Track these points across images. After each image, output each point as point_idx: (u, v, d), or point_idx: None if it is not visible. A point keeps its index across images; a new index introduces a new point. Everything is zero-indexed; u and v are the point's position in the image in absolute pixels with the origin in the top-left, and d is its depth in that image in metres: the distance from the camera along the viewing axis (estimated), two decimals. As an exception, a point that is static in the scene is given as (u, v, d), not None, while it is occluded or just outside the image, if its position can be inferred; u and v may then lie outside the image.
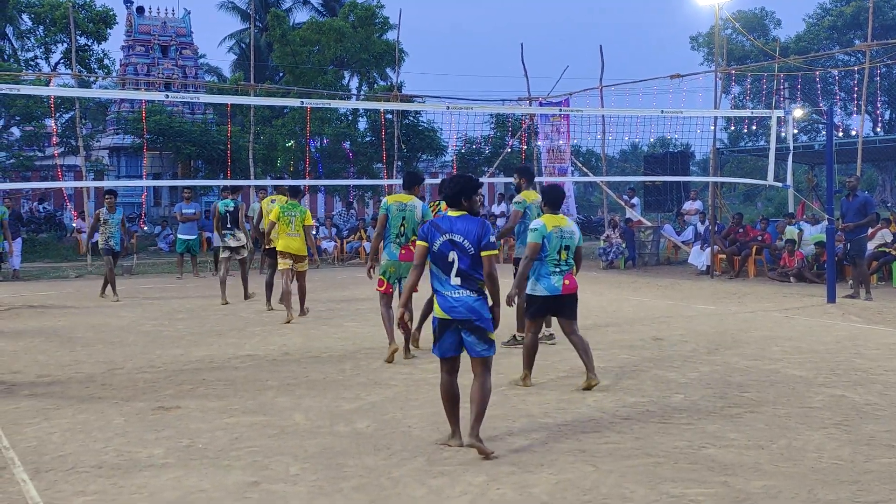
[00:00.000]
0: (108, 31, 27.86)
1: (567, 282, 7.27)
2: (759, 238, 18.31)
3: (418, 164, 31.71)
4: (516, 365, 8.35)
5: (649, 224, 22.96)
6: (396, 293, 8.80)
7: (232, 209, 13.99)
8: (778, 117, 14.39)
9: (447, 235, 5.41)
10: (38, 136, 28.26)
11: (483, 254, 5.38)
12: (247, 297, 14.15)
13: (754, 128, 35.23)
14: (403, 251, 8.68)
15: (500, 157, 27.56)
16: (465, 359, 5.58)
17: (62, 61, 29.27)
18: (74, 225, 27.90)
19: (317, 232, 22.83)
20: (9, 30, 30.76)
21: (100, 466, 5.29)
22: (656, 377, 7.74)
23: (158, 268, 21.03)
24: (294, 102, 19.59)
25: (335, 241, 23.57)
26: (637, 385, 7.45)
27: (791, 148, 14.41)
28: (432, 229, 5.49)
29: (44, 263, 22.20)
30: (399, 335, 8.72)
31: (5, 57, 29.33)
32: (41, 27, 28.37)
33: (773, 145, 14.24)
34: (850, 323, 11.18)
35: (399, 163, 25.92)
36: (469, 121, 24.57)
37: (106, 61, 28.78)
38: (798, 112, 24.98)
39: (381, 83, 35.17)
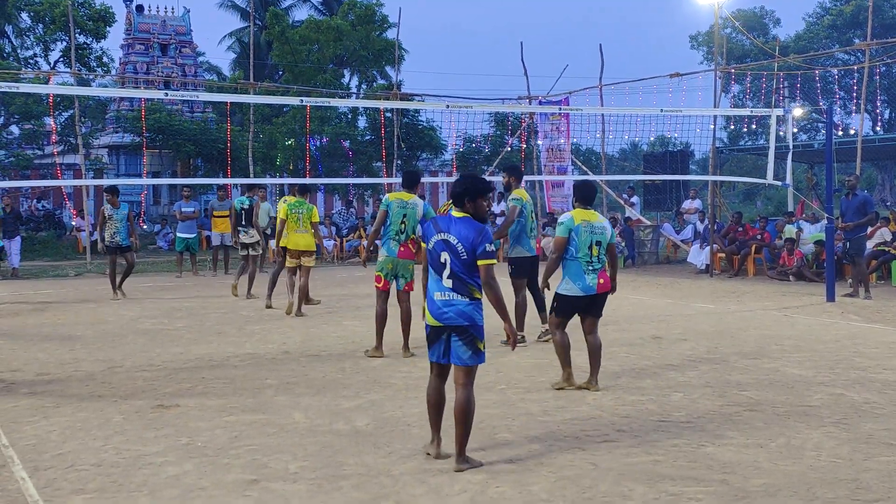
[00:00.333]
0: (108, 29, 27.83)
1: (601, 280, 7.08)
2: (759, 237, 18.32)
3: (418, 163, 31.71)
4: (515, 364, 8.37)
5: (649, 223, 22.97)
6: (393, 290, 8.81)
7: (247, 207, 14.43)
8: (777, 116, 14.40)
9: (442, 234, 5.19)
10: (38, 134, 28.24)
11: (480, 263, 5.08)
12: (249, 295, 14.16)
13: (754, 127, 35.23)
14: (402, 248, 8.69)
15: (500, 156, 27.55)
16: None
17: (61, 59, 29.25)
18: (74, 223, 27.92)
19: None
20: (8, 28, 30.74)
21: (99, 464, 5.30)
22: (655, 375, 7.74)
23: (157, 266, 21.03)
24: (293, 101, 19.61)
25: (335, 240, 23.57)
26: (636, 383, 7.45)
27: (790, 147, 14.41)
28: (430, 226, 5.33)
29: (43, 262, 22.20)
30: (391, 337, 8.75)
31: (4, 55, 29.30)
32: (40, 25, 28.35)
33: (772, 144, 14.24)
34: (849, 322, 11.19)
35: (399, 161, 25.92)
36: (469, 119, 24.54)
37: (105, 59, 28.76)
38: (797, 111, 25.00)
39: (381, 82, 35.17)
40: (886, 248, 15.91)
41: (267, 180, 25.26)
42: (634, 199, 24.54)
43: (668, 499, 4.63)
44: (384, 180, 23.95)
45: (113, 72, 30.93)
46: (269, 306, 12.77)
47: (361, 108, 29.93)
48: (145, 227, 28.72)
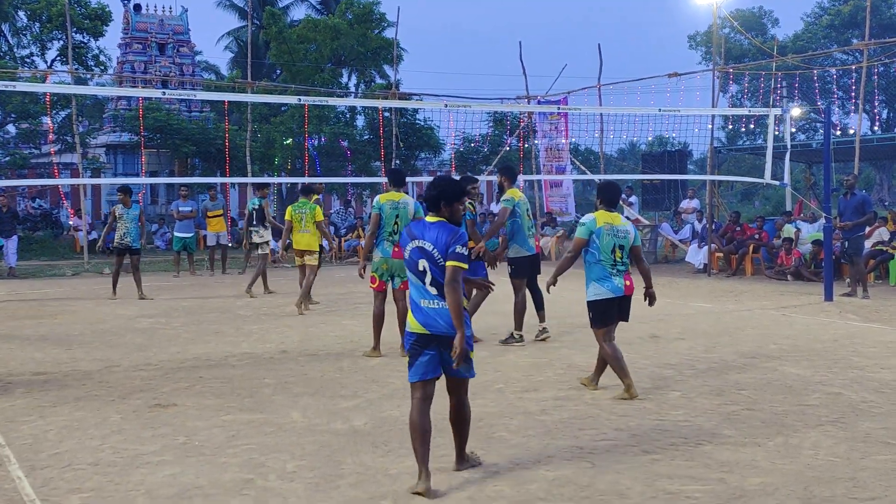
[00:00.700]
0: (105, 28, 27.80)
1: (627, 282, 6.90)
2: (756, 236, 18.33)
3: (416, 163, 31.71)
4: (513, 363, 8.37)
5: (647, 222, 22.97)
6: (390, 289, 8.81)
7: (257, 207, 14.83)
8: (776, 116, 14.40)
9: (416, 241, 4.89)
10: (35, 133, 28.20)
11: (448, 263, 4.77)
12: (248, 290, 14.41)
13: (752, 126, 35.25)
14: (396, 248, 8.69)
15: (499, 156, 27.56)
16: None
17: (58, 58, 29.20)
18: (71, 223, 27.88)
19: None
20: (4, 26, 30.65)
21: (96, 464, 5.29)
22: (653, 375, 7.74)
23: (155, 265, 20.99)
24: (291, 100, 19.58)
25: (332, 240, 23.53)
26: (634, 382, 7.43)
27: (789, 147, 14.42)
28: (405, 234, 5.01)
29: (40, 261, 22.17)
30: (389, 336, 8.74)
31: (1, 54, 29.25)
32: (37, 24, 28.28)
33: (770, 144, 14.25)
34: (847, 321, 11.19)
35: (397, 161, 25.89)
36: (467, 119, 24.51)
37: (103, 59, 28.72)
38: (796, 111, 24.99)
39: (380, 81, 35.15)
40: (884, 248, 15.92)
41: (265, 179, 25.22)
42: (633, 198, 24.54)
43: (665, 497, 4.63)
44: (383, 180, 23.88)
45: (110, 71, 30.90)
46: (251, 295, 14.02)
47: (360, 108, 29.92)
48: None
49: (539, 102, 23.94)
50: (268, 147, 28.31)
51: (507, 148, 28.14)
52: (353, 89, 34.48)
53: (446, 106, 15.43)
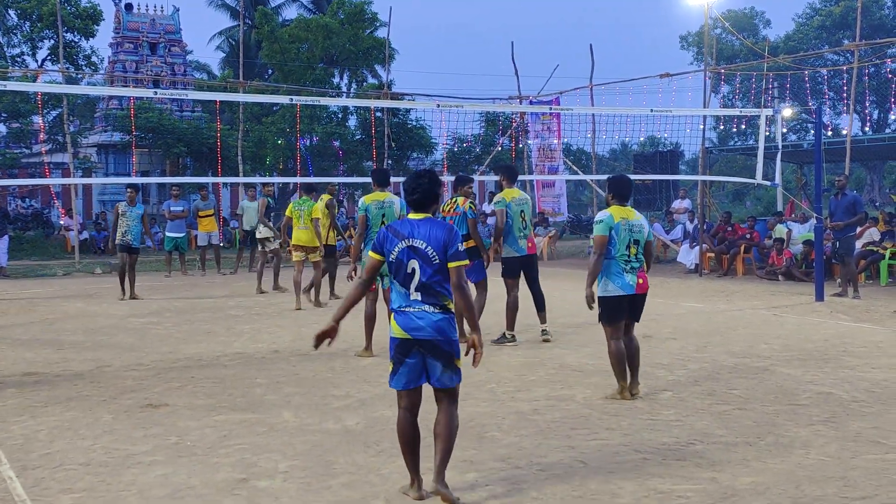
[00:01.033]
0: (96, 27, 27.71)
1: (640, 280, 6.76)
2: (748, 236, 18.38)
3: (408, 163, 31.69)
4: (505, 363, 8.38)
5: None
6: (379, 289, 8.81)
7: (268, 205, 15.61)
8: (767, 116, 14.45)
9: (407, 241, 4.52)
10: (25, 133, 28.09)
11: (451, 265, 4.49)
12: (259, 287, 14.91)
13: (743, 127, 35.36)
14: None
15: (491, 156, 27.58)
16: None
17: (49, 58, 29.10)
18: (62, 223, 27.79)
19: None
20: (-5, 25, 30.55)
21: (87, 464, 5.27)
22: (645, 374, 7.74)
23: (146, 265, 20.92)
24: (283, 99, 19.58)
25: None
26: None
27: (780, 147, 14.46)
28: (389, 235, 4.60)
29: (31, 261, 22.08)
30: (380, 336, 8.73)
31: (-9, 53, 29.15)
32: (27, 23, 28.18)
33: (761, 144, 14.29)
34: (837, 321, 11.23)
35: (389, 161, 25.89)
36: (459, 119, 24.53)
37: (94, 58, 28.63)
38: (787, 111, 25.08)
39: (371, 81, 35.14)
40: (875, 248, 15.98)
41: (256, 179, 25.19)
42: (624, 198, 24.56)
43: (657, 497, 4.64)
44: (374, 179, 23.88)
45: (102, 70, 30.80)
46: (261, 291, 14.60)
47: (352, 108, 29.90)
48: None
49: (531, 103, 23.97)
50: (259, 147, 28.27)
51: (499, 148, 28.16)
52: (345, 89, 34.47)
53: (438, 106, 15.44)
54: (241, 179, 23.00)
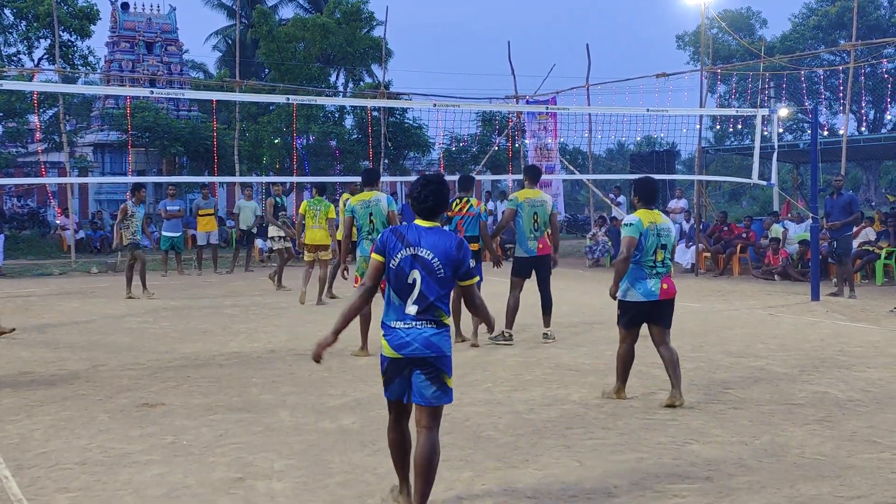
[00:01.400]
0: (92, 27, 27.64)
1: (665, 286, 6.60)
2: (744, 236, 18.41)
3: (405, 162, 31.72)
4: (501, 363, 8.38)
5: (635, 222, 23.01)
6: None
7: (277, 204, 15.84)
8: (763, 116, 14.46)
9: (411, 249, 4.21)
10: (21, 132, 28.04)
11: (463, 284, 4.30)
12: (280, 284, 15.25)
13: (739, 127, 35.40)
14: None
15: (487, 156, 27.59)
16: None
17: (45, 57, 29.05)
18: (58, 222, 27.76)
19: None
20: (-9, 24, 30.47)
21: (83, 463, 5.27)
22: (641, 373, 7.75)
23: (143, 265, 20.89)
24: (280, 99, 19.57)
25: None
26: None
27: (776, 147, 14.48)
28: (393, 238, 4.28)
29: (27, 260, 22.04)
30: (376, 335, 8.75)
31: (-13, 52, 29.07)
32: (23, 22, 28.11)
33: (757, 144, 14.30)
34: (833, 321, 11.25)
35: (386, 161, 25.89)
36: (456, 119, 24.54)
37: (91, 58, 28.58)
38: (783, 111, 25.10)
39: (368, 80, 35.14)
40: (871, 248, 16.02)
41: (252, 179, 25.19)
42: (621, 198, 24.61)
43: (652, 496, 4.64)
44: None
45: (98, 70, 30.75)
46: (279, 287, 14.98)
47: (348, 107, 29.89)
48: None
49: (528, 102, 23.96)
50: (256, 146, 28.26)
51: (496, 147, 28.17)
52: (341, 88, 34.47)
53: (435, 105, 15.43)
54: (237, 179, 22.97)
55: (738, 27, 43.15)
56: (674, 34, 50.82)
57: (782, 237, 17.53)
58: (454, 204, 9.34)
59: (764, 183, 15.12)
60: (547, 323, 9.70)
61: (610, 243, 21.02)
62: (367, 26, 32.42)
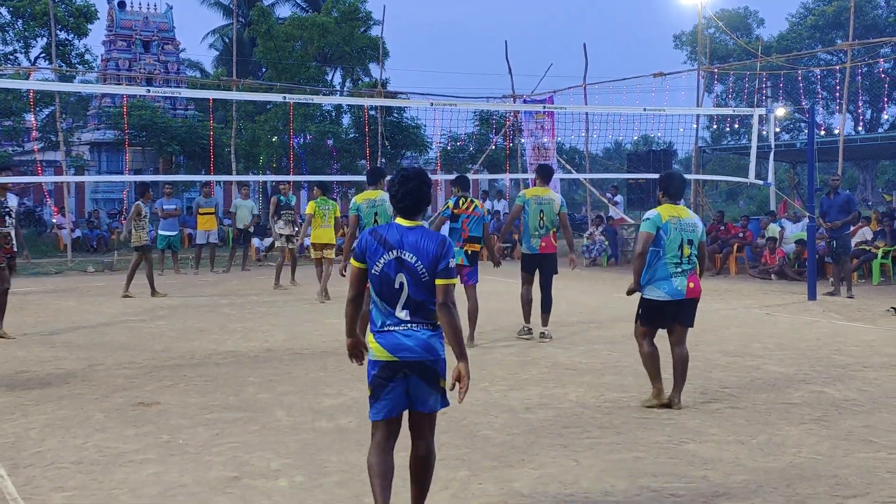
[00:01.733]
0: (89, 26, 27.60)
1: (691, 284, 6.37)
2: (741, 235, 18.42)
3: (402, 161, 31.67)
4: (498, 362, 8.38)
5: (632, 221, 23.03)
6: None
7: (283, 203, 16.04)
8: (760, 116, 14.48)
9: (395, 252, 3.98)
10: (17, 131, 27.98)
11: (438, 282, 3.96)
12: (293, 281, 15.72)
13: (736, 126, 35.41)
14: None
15: (485, 155, 27.57)
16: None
17: (42, 56, 28.99)
18: (54, 221, 27.69)
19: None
20: (-13, 24, 30.39)
21: (79, 462, 5.26)
22: (637, 373, 7.75)
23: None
24: (277, 98, 19.53)
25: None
26: (618, 381, 7.48)
27: (773, 146, 14.49)
28: (374, 243, 4.03)
29: (23, 259, 21.94)
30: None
31: (-17, 51, 29.00)
32: (20, 21, 28.06)
33: (754, 144, 14.32)
34: (830, 320, 11.26)
35: (383, 160, 25.87)
36: (453, 118, 24.52)
37: (87, 57, 28.53)
38: (780, 111, 25.16)
39: (366, 80, 35.10)
40: (867, 248, 16.03)
41: (249, 178, 25.15)
42: (618, 197, 24.63)
43: (649, 495, 4.64)
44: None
45: (95, 69, 30.70)
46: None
47: (346, 106, 29.84)
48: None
49: (525, 101, 23.93)
50: (253, 145, 28.23)
51: (493, 147, 28.16)
52: (339, 88, 34.44)
53: (432, 104, 15.43)
54: (234, 178, 22.94)
55: (736, 27, 43.15)
56: (671, 34, 50.81)
57: (779, 237, 17.54)
58: (460, 202, 9.33)
59: (761, 182, 15.14)
60: (545, 322, 9.72)
61: (607, 242, 21.04)
62: (364, 25, 32.36)
